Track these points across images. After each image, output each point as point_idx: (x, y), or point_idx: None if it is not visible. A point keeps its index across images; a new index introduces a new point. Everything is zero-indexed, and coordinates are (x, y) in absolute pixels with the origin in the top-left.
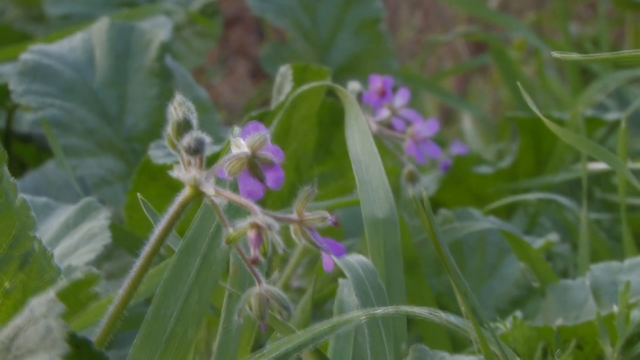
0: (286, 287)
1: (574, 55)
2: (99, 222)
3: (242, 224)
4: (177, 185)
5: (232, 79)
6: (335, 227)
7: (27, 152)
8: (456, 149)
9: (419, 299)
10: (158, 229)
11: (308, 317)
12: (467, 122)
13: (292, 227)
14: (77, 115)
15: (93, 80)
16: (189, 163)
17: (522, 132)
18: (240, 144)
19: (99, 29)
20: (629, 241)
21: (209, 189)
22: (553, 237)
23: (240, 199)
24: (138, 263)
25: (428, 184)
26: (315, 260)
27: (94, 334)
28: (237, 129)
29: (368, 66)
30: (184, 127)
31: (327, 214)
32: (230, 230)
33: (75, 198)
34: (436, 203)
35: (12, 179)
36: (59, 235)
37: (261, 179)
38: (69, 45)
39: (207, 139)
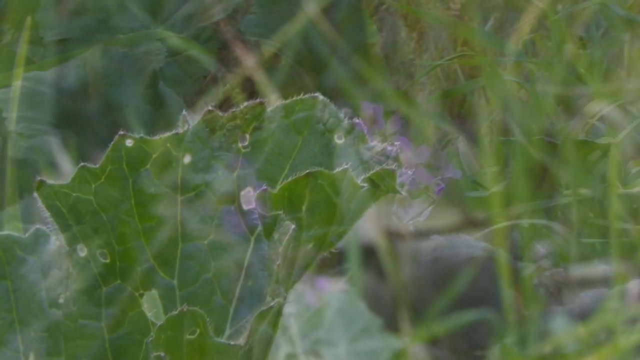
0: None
1: (561, 89)
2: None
3: None
4: None
5: (227, 101)
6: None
7: (23, 177)
8: (449, 173)
9: (409, 327)
10: None
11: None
12: (462, 144)
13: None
14: (70, 142)
15: (86, 107)
16: None
17: (515, 156)
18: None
19: (93, 56)
20: (619, 267)
21: None
22: (545, 263)
23: None
24: None
25: (421, 209)
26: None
27: None
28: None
29: (362, 91)
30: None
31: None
32: None
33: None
34: (429, 228)
35: None
36: (52, 264)
37: None
38: (63, 72)
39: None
